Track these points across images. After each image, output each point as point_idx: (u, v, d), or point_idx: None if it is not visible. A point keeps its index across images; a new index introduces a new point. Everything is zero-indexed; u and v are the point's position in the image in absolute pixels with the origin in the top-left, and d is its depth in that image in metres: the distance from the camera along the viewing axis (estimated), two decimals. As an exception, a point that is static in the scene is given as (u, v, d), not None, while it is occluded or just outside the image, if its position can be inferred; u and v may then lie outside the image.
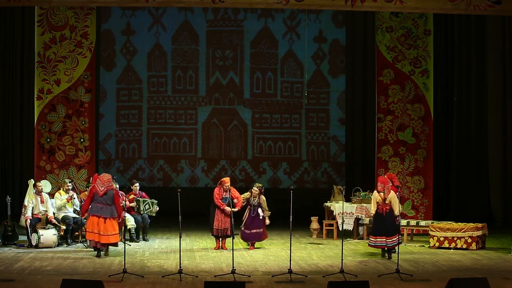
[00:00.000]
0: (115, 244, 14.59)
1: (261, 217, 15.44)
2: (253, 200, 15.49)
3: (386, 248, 14.69)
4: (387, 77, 17.89)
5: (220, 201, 15.26)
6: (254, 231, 15.51)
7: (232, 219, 14.15)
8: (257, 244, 15.75)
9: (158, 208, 16.57)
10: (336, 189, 17.61)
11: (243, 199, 15.47)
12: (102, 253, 14.55)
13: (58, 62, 17.46)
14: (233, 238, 13.69)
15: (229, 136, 21.50)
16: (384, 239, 14.56)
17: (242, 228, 15.58)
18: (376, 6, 15.36)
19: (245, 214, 15.57)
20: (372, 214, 15.04)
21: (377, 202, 14.70)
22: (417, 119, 17.88)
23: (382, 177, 15.10)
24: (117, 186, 16.55)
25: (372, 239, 14.81)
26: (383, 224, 14.60)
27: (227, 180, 15.48)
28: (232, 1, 15.46)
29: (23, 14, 20.30)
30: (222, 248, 15.42)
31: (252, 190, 15.58)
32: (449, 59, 20.67)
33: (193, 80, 21.43)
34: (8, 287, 11.86)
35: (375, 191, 14.86)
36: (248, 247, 15.63)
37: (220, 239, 15.50)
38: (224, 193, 15.33)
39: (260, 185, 15.71)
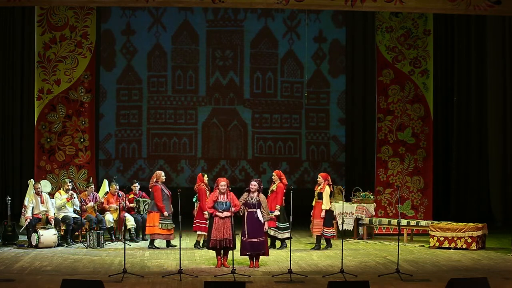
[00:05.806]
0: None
1: (261, 221, 13.34)
2: (251, 198, 13.38)
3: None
4: (387, 77, 17.88)
5: (207, 204, 13.38)
6: (255, 240, 13.33)
7: (233, 227, 13.06)
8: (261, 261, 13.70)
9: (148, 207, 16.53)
10: (336, 189, 17.59)
11: (242, 201, 13.38)
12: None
13: (58, 62, 17.45)
14: (234, 237, 13.47)
15: (229, 136, 21.48)
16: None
17: (242, 238, 13.47)
18: (376, 6, 15.38)
19: (243, 220, 13.43)
20: (329, 208, 15.57)
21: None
22: (417, 119, 17.87)
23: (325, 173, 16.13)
24: (117, 186, 16.60)
25: (330, 231, 15.55)
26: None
27: (222, 179, 13.45)
28: (232, 1, 15.45)
29: (23, 14, 20.28)
30: (223, 265, 13.40)
31: (250, 186, 13.45)
32: (449, 59, 20.66)
33: (193, 80, 21.41)
34: (8, 287, 11.86)
35: (327, 186, 15.50)
36: (249, 263, 13.55)
37: (222, 253, 13.47)
38: (221, 196, 13.29)
39: (258, 179, 13.72)
